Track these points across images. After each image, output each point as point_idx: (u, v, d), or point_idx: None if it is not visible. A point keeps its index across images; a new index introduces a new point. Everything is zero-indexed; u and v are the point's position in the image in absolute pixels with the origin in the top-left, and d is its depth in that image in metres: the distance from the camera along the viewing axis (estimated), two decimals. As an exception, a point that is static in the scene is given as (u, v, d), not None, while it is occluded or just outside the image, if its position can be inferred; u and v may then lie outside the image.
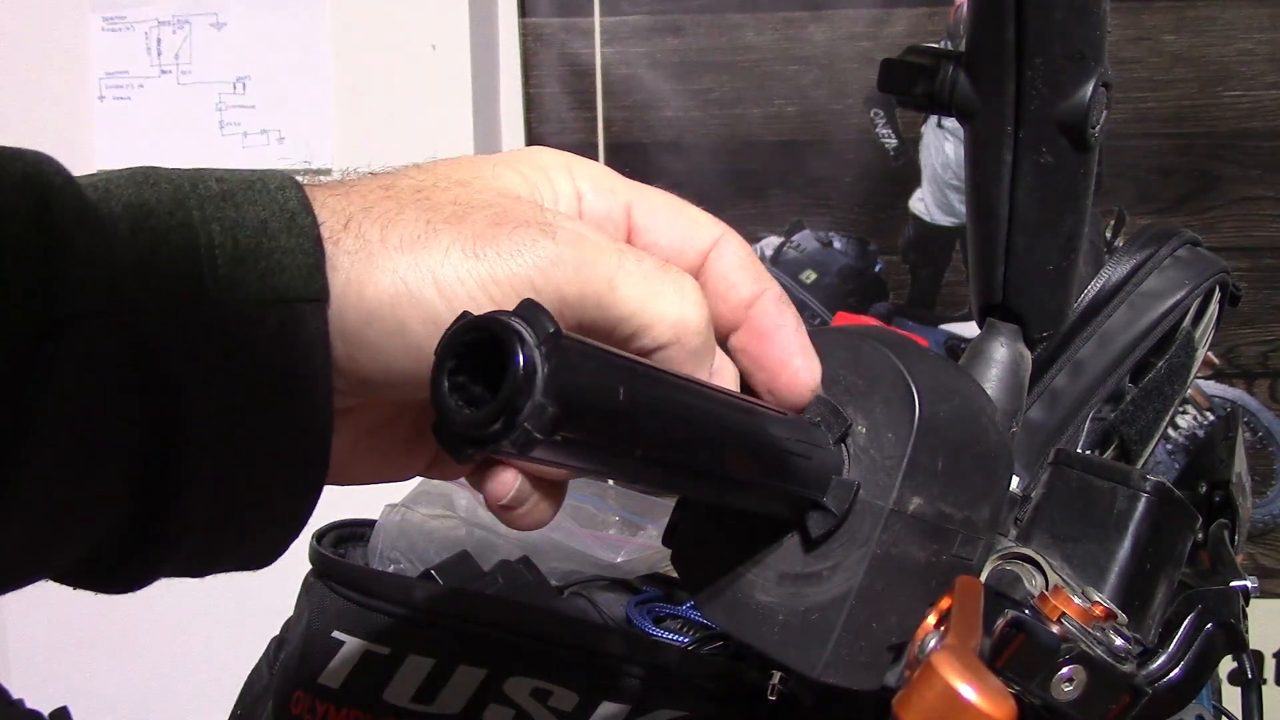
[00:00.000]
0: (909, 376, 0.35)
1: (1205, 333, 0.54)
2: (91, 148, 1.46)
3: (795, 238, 1.47)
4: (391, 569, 0.72)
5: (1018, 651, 0.35)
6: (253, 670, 0.75)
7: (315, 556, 0.68)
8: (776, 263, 1.47)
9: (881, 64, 0.45)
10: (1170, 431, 0.63)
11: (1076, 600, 0.36)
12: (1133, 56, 1.40)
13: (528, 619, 0.63)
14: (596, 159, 1.68)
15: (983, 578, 0.38)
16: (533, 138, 1.49)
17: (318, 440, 0.30)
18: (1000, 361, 0.43)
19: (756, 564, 0.36)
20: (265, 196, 0.29)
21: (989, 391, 0.42)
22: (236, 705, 0.74)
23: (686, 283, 0.33)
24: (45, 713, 0.80)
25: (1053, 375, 0.51)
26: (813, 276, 1.47)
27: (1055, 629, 0.35)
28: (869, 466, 0.34)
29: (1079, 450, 0.51)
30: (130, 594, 0.31)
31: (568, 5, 1.46)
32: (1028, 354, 0.44)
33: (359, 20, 1.43)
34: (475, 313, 0.25)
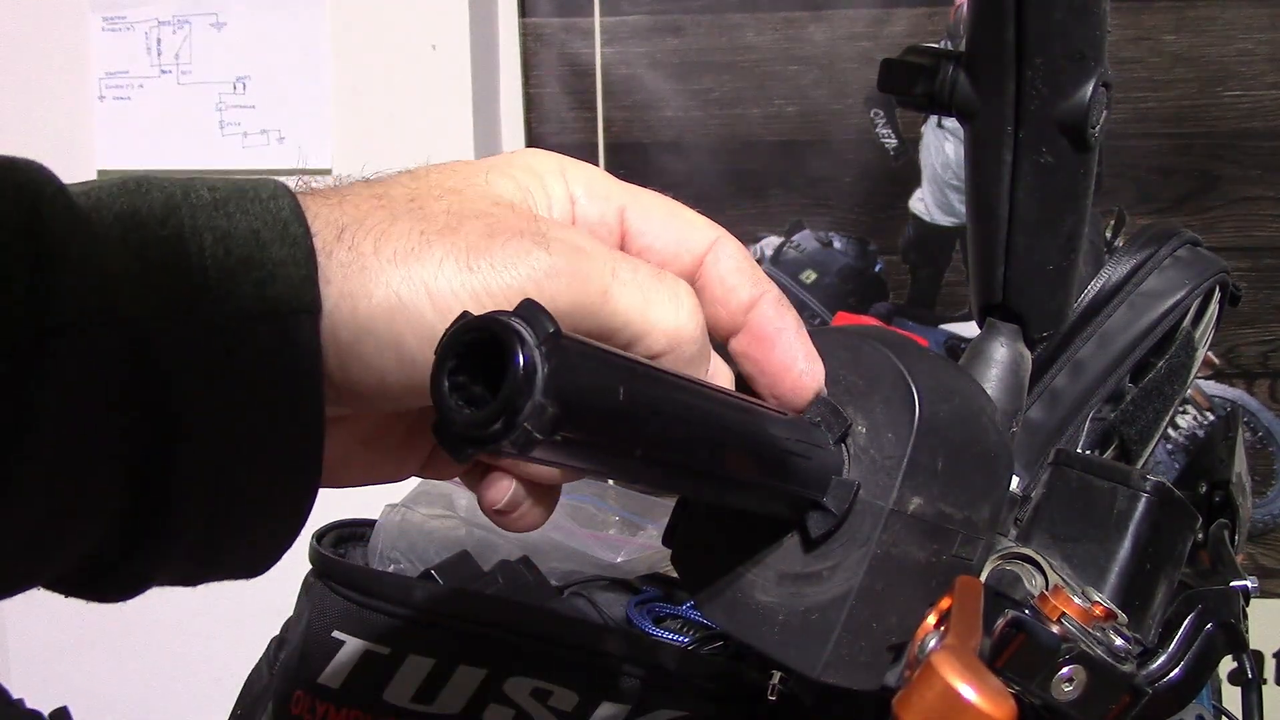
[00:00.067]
0: (909, 376, 0.35)
1: (1205, 333, 0.54)
2: (91, 148, 1.46)
3: (795, 238, 1.47)
4: (391, 569, 0.72)
5: (1018, 651, 0.35)
6: (253, 670, 0.75)
7: (315, 556, 0.68)
8: (776, 263, 1.47)
9: (881, 64, 0.45)
10: (1170, 431, 0.63)
11: (1076, 600, 0.36)
12: (1133, 56, 1.40)
13: (528, 619, 0.63)
14: (596, 159, 1.67)
15: (983, 578, 0.38)
16: (533, 138, 1.49)
17: (310, 448, 0.30)
18: (1000, 361, 0.43)
19: (756, 564, 0.36)
20: (258, 206, 0.29)
21: (989, 391, 0.42)
22: (236, 705, 0.74)
23: (681, 290, 0.33)
24: (45, 713, 0.80)
25: (1053, 375, 0.51)
26: (813, 276, 1.47)
27: (1055, 629, 0.35)
28: (869, 466, 0.34)
29: (1079, 450, 0.51)
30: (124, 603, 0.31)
31: (568, 5, 1.46)
32: (1028, 354, 0.44)
33: (359, 20, 1.43)
34: (474, 315, 0.25)
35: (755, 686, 0.61)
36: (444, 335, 0.26)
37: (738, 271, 0.36)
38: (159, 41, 1.46)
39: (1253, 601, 0.45)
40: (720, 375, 0.36)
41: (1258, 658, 1.33)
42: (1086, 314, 0.51)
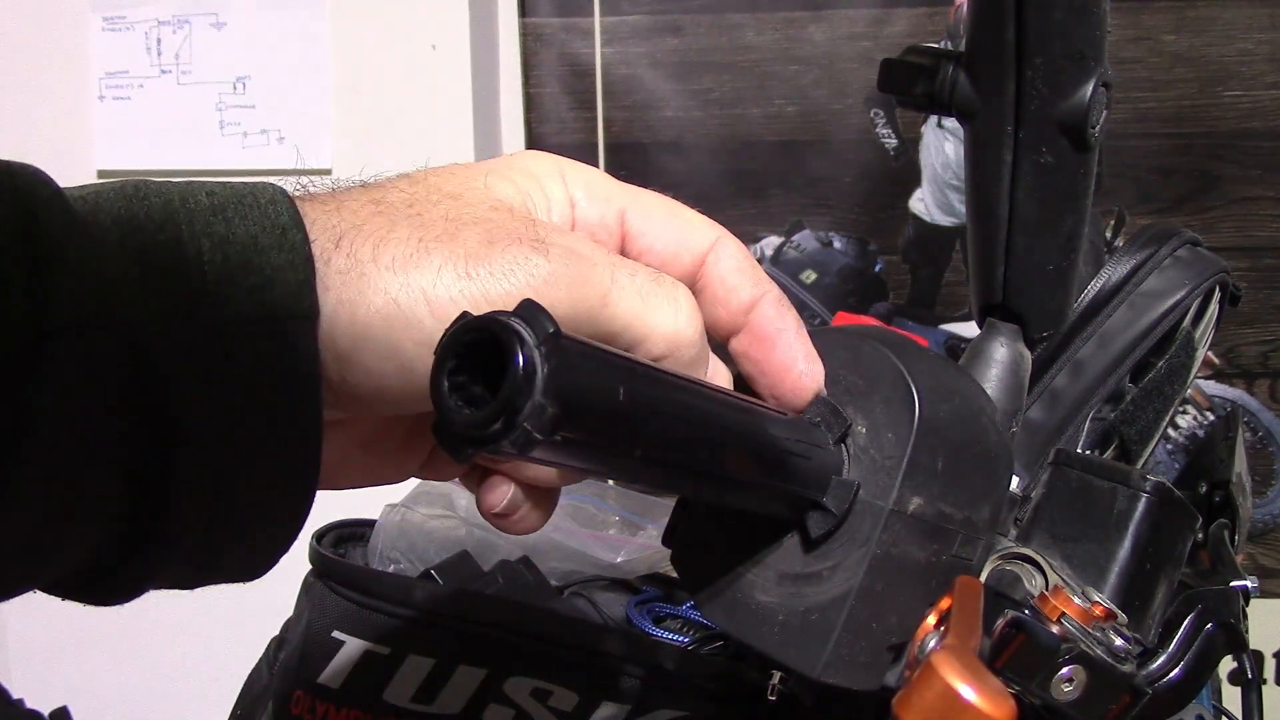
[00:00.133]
0: (909, 376, 0.35)
1: (1205, 333, 0.54)
2: (91, 148, 1.46)
3: (795, 238, 1.47)
4: (391, 569, 0.72)
5: (1018, 651, 0.35)
6: (253, 670, 0.74)
7: (315, 556, 0.68)
8: (776, 263, 1.47)
9: (881, 64, 0.45)
10: (1170, 431, 0.63)
11: (1076, 600, 0.36)
12: (1133, 56, 1.40)
13: (528, 619, 0.63)
14: (596, 159, 1.67)
15: (983, 578, 0.38)
16: (533, 138, 1.49)
17: (308, 452, 0.30)
18: (1000, 361, 0.43)
19: (756, 564, 0.36)
20: (256, 211, 0.29)
21: (989, 391, 0.42)
22: (236, 705, 0.74)
23: (680, 294, 0.33)
24: (45, 713, 0.80)
25: (1053, 375, 0.51)
26: (813, 276, 1.47)
27: (1055, 629, 0.35)
28: (869, 466, 0.34)
29: (1079, 450, 0.50)
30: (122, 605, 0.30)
31: (568, 5, 1.46)
32: (1028, 354, 0.44)
33: (359, 20, 1.43)
34: (473, 315, 0.25)
35: (755, 686, 0.61)
36: (444, 335, 0.25)
37: (738, 271, 0.36)
38: (159, 41, 1.46)
39: (1253, 601, 0.45)
40: (719, 376, 0.36)
41: (1258, 658, 1.33)
42: (1086, 314, 0.51)
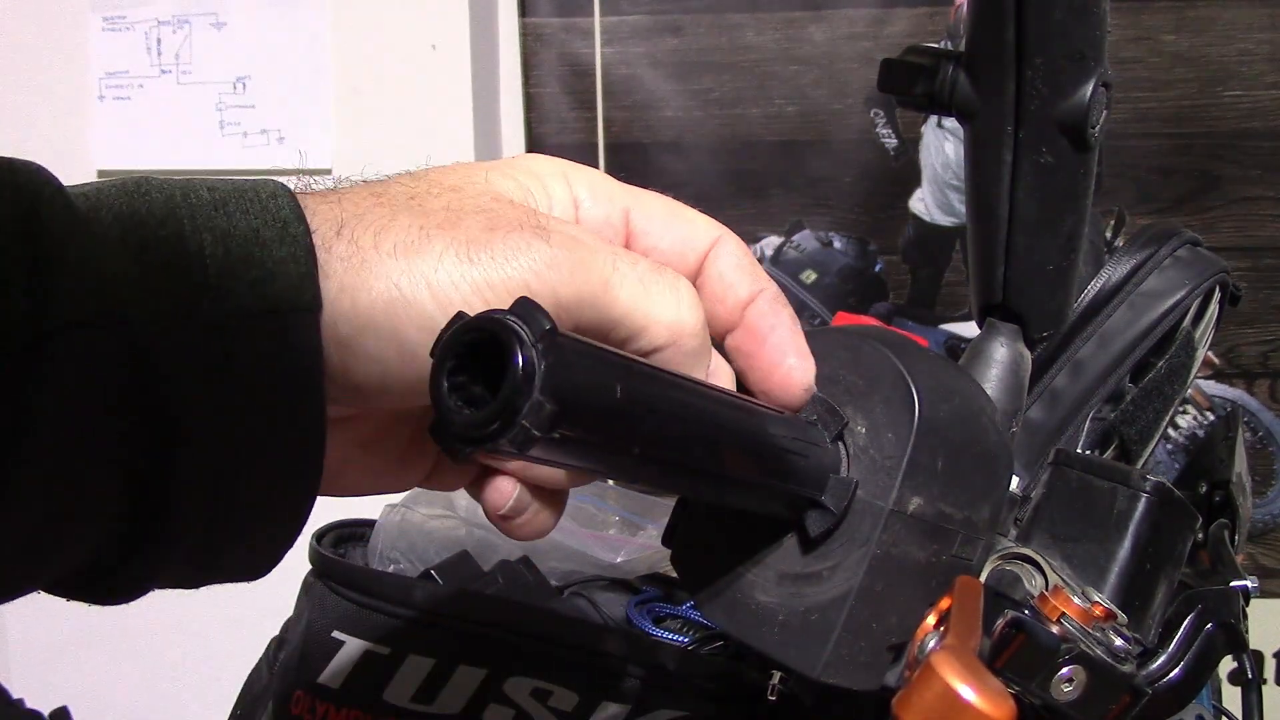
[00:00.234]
0: (909, 376, 0.35)
1: (1205, 333, 0.54)
2: (91, 147, 1.46)
3: (795, 238, 1.47)
4: (391, 569, 0.72)
5: (1018, 652, 0.35)
6: (253, 670, 0.74)
7: (315, 556, 0.68)
8: (776, 263, 1.47)
9: (881, 64, 0.45)
10: (1170, 431, 0.63)
11: (1076, 600, 0.36)
12: (1133, 56, 1.40)
13: (528, 619, 0.63)
14: (596, 159, 1.67)
15: (983, 578, 0.38)
16: (533, 137, 1.49)
17: (311, 448, 0.30)
18: (1000, 361, 0.43)
19: (756, 564, 0.36)
20: (257, 205, 0.29)
21: (989, 391, 0.42)
22: (236, 705, 0.74)
23: (682, 285, 0.33)
24: (45, 713, 0.80)
25: (1053, 375, 0.51)
26: (813, 276, 1.47)
27: (1055, 629, 0.35)
28: (869, 466, 0.34)
29: (1079, 450, 0.50)
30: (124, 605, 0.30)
31: (568, 5, 1.46)
32: (1028, 354, 0.44)
33: (359, 20, 1.43)
34: (470, 315, 0.25)
35: (755, 686, 0.61)
36: (442, 336, 0.26)
37: (737, 268, 0.36)
38: (159, 41, 1.46)
39: (1253, 601, 0.45)
40: (721, 373, 0.36)
41: (1258, 658, 1.33)
42: (1086, 314, 0.51)
